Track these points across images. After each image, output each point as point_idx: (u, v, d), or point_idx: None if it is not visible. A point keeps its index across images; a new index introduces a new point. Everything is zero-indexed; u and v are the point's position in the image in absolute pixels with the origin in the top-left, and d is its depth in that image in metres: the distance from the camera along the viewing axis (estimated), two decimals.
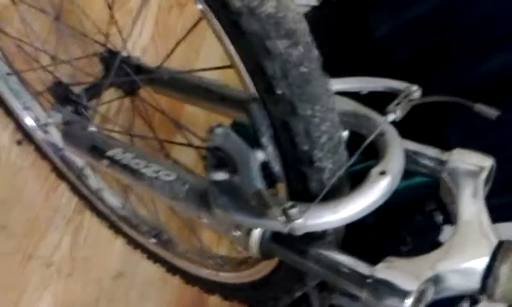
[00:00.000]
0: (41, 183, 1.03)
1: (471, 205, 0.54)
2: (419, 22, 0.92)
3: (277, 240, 0.59)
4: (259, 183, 0.51)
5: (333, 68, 0.53)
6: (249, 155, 0.52)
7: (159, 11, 1.33)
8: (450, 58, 0.89)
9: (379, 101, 0.60)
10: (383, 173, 0.52)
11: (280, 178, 0.55)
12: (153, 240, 0.98)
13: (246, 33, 0.46)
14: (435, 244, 0.52)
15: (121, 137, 0.89)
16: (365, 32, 0.97)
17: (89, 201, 1.03)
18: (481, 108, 0.58)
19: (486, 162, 0.57)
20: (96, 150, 0.72)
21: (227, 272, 0.84)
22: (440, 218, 0.77)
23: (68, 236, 1.05)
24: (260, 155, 0.53)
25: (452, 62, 0.89)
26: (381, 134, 0.57)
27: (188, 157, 0.88)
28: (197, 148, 0.70)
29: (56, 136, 0.79)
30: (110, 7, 0.78)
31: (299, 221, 0.48)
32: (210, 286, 0.90)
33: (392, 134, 0.57)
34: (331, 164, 0.53)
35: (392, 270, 0.49)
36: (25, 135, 0.97)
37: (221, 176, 0.54)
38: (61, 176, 1.01)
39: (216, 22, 0.48)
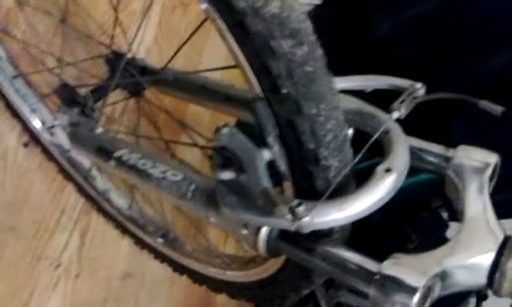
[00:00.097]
0: (48, 185, 1.03)
1: (476, 201, 0.54)
2: (421, 21, 0.93)
3: (284, 238, 0.59)
4: (266, 182, 0.52)
5: (335, 67, 0.53)
6: (256, 154, 0.53)
7: (163, 11, 1.33)
8: (451, 56, 0.89)
9: (383, 99, 0.60)
10: (388, 170, 0.53)
11: (286, 176, 0.55)
12: (160, 240, 0.98)
13: (250, 33, 0.46)
14: (442, 240, 0.52)
15: (127, 137, 0.89)
16: (367, 31, 0.97)
17: (96, 202, 1.04)
18: (486, 105, 0.58)
19: (491, 159, 0.57)
20: (103, 151, 0.72)
21: (234, 270, 0.84)
22: (445, 215, 0.78)
23: (75, 237, 1.06)
24: (266, 154, 0.53)
25: (454, 60, 0.89)
26: (386, 132, 0.57)
27: (193, 156, 0.89)
28: (202, 147, 0.71)
29: (62, 138, 0.79)
30: (115, 9, 0.78)
31: (306, 219, 0.48)
32: (217, 285, 0.90)
33: (397, 132, 0.57)
34: (336, 162, 0.53)
35: (399, 267, 0.49)
36: (32, 137, 0.98)
37: (227, 175, 0.54)
38: (67, 177, 1.02)
39: (220, 22, 0.48)
